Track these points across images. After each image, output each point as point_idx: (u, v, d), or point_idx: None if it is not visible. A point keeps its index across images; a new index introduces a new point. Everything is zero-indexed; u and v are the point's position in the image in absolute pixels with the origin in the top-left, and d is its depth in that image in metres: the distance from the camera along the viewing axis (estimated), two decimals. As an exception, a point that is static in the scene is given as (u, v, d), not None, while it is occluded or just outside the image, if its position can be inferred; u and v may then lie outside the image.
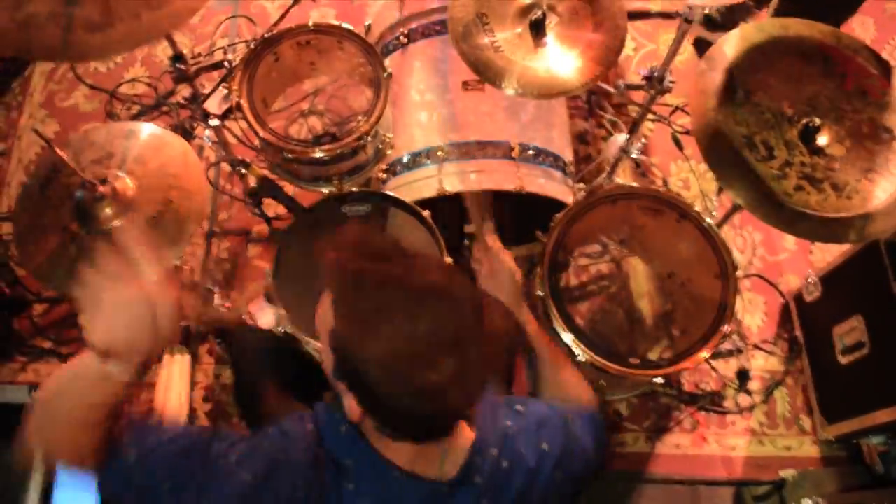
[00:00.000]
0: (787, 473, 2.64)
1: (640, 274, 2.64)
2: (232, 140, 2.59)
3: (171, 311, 1.18)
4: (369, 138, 2.35)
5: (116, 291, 1.14)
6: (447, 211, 2.36)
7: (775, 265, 3.13)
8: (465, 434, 1.31)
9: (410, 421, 1.15)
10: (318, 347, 2.02)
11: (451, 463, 1.29)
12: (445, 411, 1.16)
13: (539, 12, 2.25)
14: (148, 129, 2.22)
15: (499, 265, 1.85)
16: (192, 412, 2.81)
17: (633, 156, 3.07)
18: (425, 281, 1.12)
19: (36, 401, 1.21)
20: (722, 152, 1.90)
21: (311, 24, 2.47)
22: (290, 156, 2.30)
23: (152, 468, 1.21)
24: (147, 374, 1.29)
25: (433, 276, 1.13)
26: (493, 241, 1.89)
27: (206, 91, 2.35)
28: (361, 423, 1.22)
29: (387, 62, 2.51)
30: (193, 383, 2.86)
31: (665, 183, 3.26)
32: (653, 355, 2.22)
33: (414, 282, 1.12)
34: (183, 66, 2.30)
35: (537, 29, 2.28)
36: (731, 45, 2.04)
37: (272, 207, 2.69)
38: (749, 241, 3.17)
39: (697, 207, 2.26)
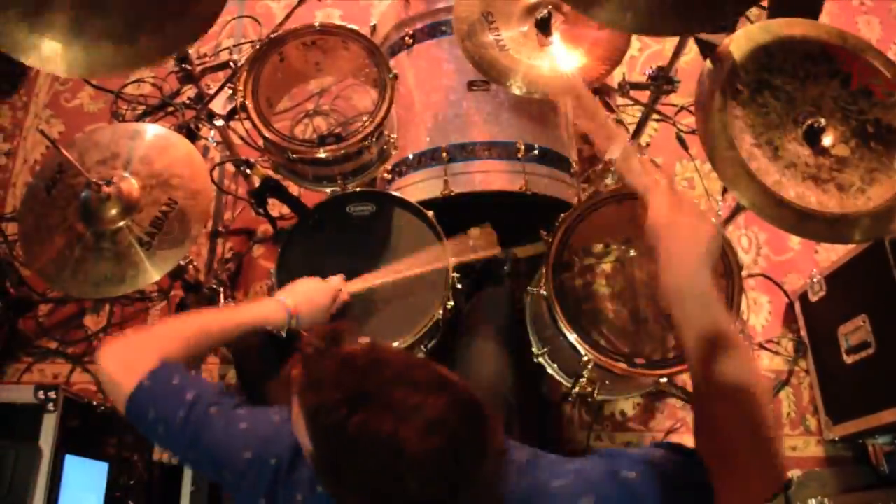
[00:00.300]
0: (793, 473, 2.64)
1: (645, 274, 2.63)
2: (236, 140, 2.59)
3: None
4: (374, 139, 2.34)
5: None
6: (452, 211, 2.36)
7: (780, 264, 3.12)
8: None
9: None
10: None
11: None
12: None
13: (545, 11, 2.25)
14: (153, 130, 2.23)
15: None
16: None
17: (638, 155, 3.06)
18: (413, 448, 0.97)
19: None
20: (727, 153, 1.90)
21: (316, 24, 2.47)
22: (294, 156, 2.30)
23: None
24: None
25: (424, 434, 0.98)
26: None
27: (212, 91, 2.36)
28: None
29: (392, 63, 2.51)
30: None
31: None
32: (658, 355, 2.21)
33: (399, 449, 0.97)
34: (188, 67, 2.30)
35: (543, 27, 2.29)
36: (736, 45, 2.04)
37: (276, 207, 2.69)
38: (754, 240, 3.17)
39: (703, 207, 2.26)
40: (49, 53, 1.75)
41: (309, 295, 1.84)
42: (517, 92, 2.23)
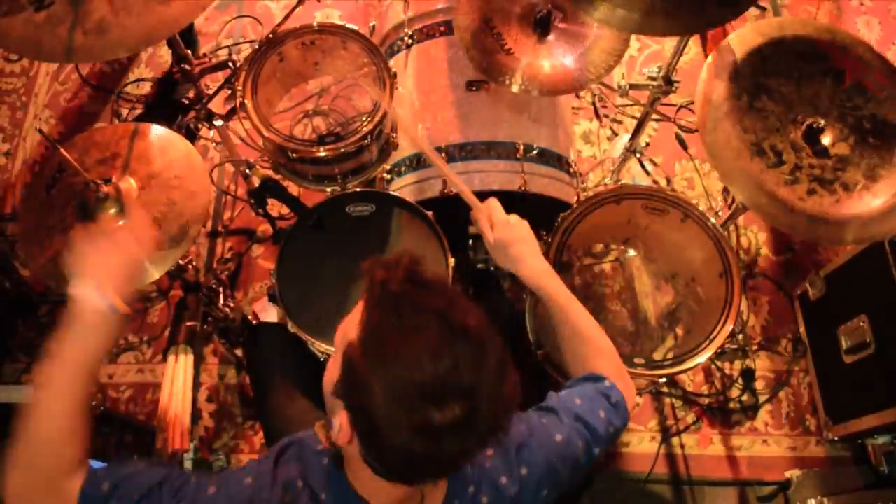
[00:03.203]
0: (792, 474, 2.64)
1: (644, 274, 2.64)
2: (236, 140, 2.59)
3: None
4: (374, 137, 2.35)
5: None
6: (452, 211, 2.36)
7: (780, 264, 3.12)
8: (441, 481, 1.30)
9: (399, 456, 1.09)
10: (322, 349, 2.02)
11: None
12: (437, 457, 1.09)
13: (543, 10, 2.25)
14: (153, 130, 2.22)
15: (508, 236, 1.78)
16: (196, 412, 2.81)
17: (638, 155, 3.07)
18: (462, 321, 1.08)
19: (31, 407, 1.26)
20: (727, 153, 1.91)
21: (315, 24, 2.47)
22: (294, 155, 2.30)
23: (126, 496, 1.21)
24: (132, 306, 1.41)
25: (471, 320, 1.09)
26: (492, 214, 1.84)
27: (211, 91, 2.36)
28: (346, 453, 1.22)
29: (391, 63, 2.50)
30: (198, 384, 2.87)
31: (669, 182, 3.26)
32: (657, 355, 2.21)
33: (451, 318, 1.07)
34: (187, 67, 2.30)
35: (542, 27, 2.28)
36: (736, 44, 2.04)
37: (276, 207, 2.69)
38: (753, 240, 3.16)
39: (702, 207, 2.25)
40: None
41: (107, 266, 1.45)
42: (516, 90, 2.23)
